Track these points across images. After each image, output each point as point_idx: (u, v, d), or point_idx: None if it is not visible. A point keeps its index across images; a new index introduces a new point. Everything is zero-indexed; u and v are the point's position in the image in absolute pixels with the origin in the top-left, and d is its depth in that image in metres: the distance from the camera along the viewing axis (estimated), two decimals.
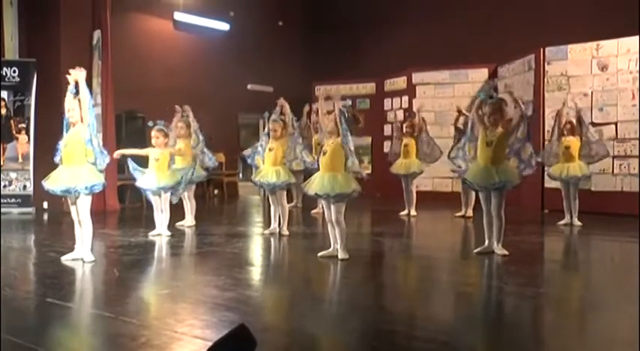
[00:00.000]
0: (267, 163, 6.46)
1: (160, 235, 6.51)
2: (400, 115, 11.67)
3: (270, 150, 6.45)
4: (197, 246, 6.16)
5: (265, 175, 6.41)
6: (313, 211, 8.59)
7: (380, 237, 6.83)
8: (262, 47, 12.77)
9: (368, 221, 8.39)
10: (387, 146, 11.95)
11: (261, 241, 6.43)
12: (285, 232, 6.54)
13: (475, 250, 5.41)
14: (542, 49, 9.27)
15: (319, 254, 5.22)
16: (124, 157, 6.68)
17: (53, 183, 5.05)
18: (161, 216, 6.57)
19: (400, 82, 11.77)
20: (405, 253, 6.03)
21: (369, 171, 12.17)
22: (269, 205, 6.72)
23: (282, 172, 6.37)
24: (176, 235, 6.57)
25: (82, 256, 5.08)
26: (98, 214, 8.33)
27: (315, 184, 5.11)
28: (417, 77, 11.39)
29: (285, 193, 6.67)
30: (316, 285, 4.61)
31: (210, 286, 4.22)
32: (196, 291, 4.12)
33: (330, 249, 5.23)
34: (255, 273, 4.99)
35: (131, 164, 6.67)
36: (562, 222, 7.35)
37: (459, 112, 8.17)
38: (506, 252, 5.27)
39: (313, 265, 5.16)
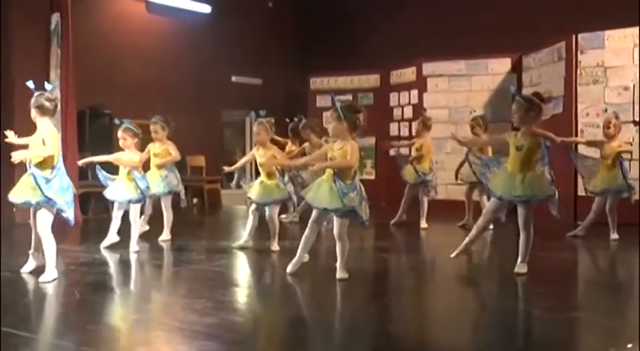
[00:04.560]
0: (262, 177, 6.55)
1: (111, 246, 6.57)
2: (409, 111, 11.69)
3: (260, 165, 6.52)
4: (173, 263, 6.13)
5: (257, 191, 6.48)
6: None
7: (385, 253, 6.81)
8: (249, 33, 12.77)
9: (371, 234, 8.36)
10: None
11: (248, 259, 6.40)
12: (276, 247, 6.53)
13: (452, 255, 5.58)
14: (574, 36, 9.27)
15: (288, 270, 5.23)
16: (92, 164, 6.69)
17: (15, 194, 5.10)
18: (117, 225, 6.65)
19: (409, 74, 11.77)
20: (413, 272, 6.00)
21: (373, 176, 12.19)
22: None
23: (277, 188, 6.44)
24: (149, 251, 6.54)
25: (48, 276, 5.06)
26: (57, 227, 8.28)
27: (322, 197, 5.01)
28: (428, 68, 11.39)
29: (278, 207, 6.75)
30: (311, 309, 4.58)
31: (187, 310, 4.18)
32: (172, 316, 4.10)
33: (296, 259, 5.24)
34: (241, 295, 4.95)
35: (101, 174, 6.70)
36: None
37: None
38: (525, 270, 5.26)
39: (308, 285, 5.14)
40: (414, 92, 11.60)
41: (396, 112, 12.04)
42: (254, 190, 6.53)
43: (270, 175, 6.50)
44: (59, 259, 6.09)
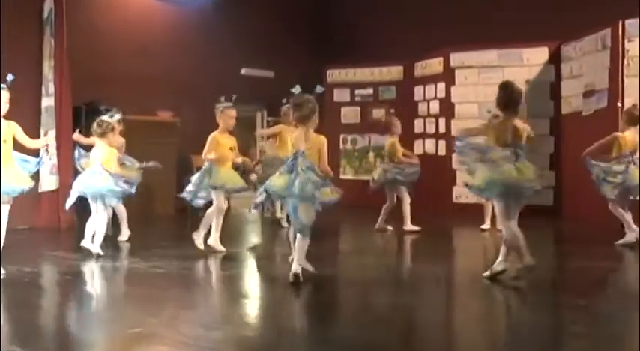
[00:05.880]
0: (229, 163, 7.03)
1: (109, 255, 6.69)
2: (435, 106, 11.63)
3: (232, 149, 6.98)
4: (176, 271, 6.11)
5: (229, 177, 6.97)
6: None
7: (412, 261, 6.78)
8: (260, 21, 12.77)
9: (394, 240, 8.34)
10: (418, 146, 11.90)
11: (257, 266, 6.44)
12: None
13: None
14: (620, 22, 9.20)
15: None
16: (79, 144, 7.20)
17: None
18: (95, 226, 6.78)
19: (435, 65, 11.75)
20: (435, 281, 5.95)
21: None
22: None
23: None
24: (150, 258, 6.53)
25: None
26: (51, 232, 8.35)
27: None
28: (456, 59, 11.37)
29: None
30: (326, 321, 4.56)
31: (193, 322, 4.18)
32: (175, 329, 4.08)
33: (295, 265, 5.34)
34: (252, 306, 4.95)
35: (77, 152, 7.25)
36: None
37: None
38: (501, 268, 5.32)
39: (324, 295, 5.14)
40: (441, 85, 11.56)
41: (421, 107, 12.00)
42: (217, 176, 6.85)
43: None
44: (53, 266, 6.17)
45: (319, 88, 5.52)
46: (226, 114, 7.09)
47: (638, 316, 4.17)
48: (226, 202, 7.18)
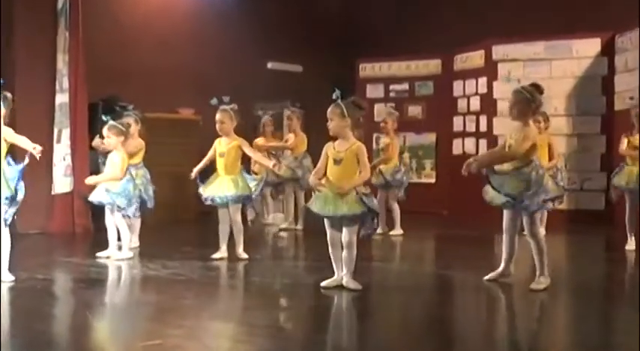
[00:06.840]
0: (219, 171, 6.88)
1: (109, 257, 6.75)
2: (476, 103, 11.53)
3: (220, 155, 6.84)
4: (199, 279, 6.09)
5: (217, 186, 6.81)
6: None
7: (447, 270, 6.71)
8: (288, 11, 12.76)
9: (430, 248, 8.27)
10: (457, 145, 11.79)
11: (285, 274, 6.42)
12: (243, 255, 6.80)
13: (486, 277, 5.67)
14: None
15: (322, 284, 5.36)
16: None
17: None
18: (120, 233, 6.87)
19: (476, 59, 11.67)
20: (476, 290, 5.85)
21: (433, 180, 12.05)
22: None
23: (236, 184, 6.78)
24: (169, 265, 6.52)
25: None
26: (64, 237, 8.35)
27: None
28: (498, 51, 11.27)
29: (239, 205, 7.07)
30: (369, 331, 4.49)
31: (218, 335, 4.18)
32: (199, 342, 4.05)
33: (335, 277, 5.41)
34: (283, 316, 4.91)
35: None
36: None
37: None
38: (543, 286, 5.36)
39: (358, 306, 5.07)
40: (482, 80, 11.49)
41: (461, 104, 11.93)
42: (207, 185, 6.83)
43: (230, 169, 6.79)
44: (66, 274, 6.16)
45: (337, 93, 5.39)
46: None
47: None
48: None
